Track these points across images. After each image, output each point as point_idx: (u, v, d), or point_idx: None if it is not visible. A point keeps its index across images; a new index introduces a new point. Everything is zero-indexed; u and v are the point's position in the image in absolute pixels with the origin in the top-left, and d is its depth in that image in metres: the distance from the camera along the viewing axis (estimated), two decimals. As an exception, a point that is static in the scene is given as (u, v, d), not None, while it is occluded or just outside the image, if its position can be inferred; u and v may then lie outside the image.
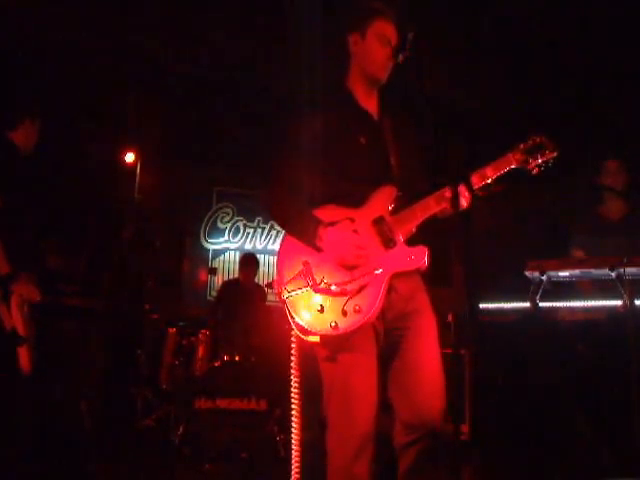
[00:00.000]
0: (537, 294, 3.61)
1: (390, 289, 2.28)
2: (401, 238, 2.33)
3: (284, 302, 2.25)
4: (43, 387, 4.05)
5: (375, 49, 2.44)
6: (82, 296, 5.01)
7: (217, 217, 8.19)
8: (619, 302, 3.37)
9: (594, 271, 3.45)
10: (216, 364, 4.98)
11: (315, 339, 2.22)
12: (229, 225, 8.21)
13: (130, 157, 6.92)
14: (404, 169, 2.45)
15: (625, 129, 5.33)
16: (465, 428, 4.28)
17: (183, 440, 4.66)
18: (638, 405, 3.25)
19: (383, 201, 2.36)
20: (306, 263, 2.26)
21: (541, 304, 3.63)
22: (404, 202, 2.38)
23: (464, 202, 2.34)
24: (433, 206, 2.34)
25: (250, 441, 4.65)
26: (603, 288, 3.46)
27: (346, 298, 2.21)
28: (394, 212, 2.36)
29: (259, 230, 8.25)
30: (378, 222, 2.33)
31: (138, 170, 6.91)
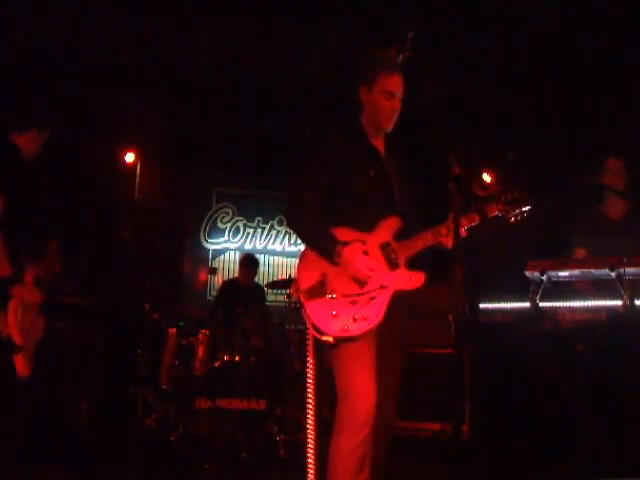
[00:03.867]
0: (537, 294, 3.61)
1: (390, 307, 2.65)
2: (403, 262, 2.72)
3: (303, 306, 2.63)
4: (43, 387, 4.05)
5: (381, 103, 2.77)
6: (82, 296, 5.02)
7: (217, 217, 8.19)
8: (619, 302, 3.37)
9: (594, 271, 3.45)
10: (216, 364, 4.98)
11: (329, 339, 2.59)
12: (229, 225, 8.22)
13: (130, 157, 6.93)
14: (405, 202, 2.83)
15: (626, 128, 5.33)
16: (465, 427, 4.29)
17: (183, 440, 4.66)
18: (638, 405, 3.25)
19: (389, 229, 2.75)
20: (324, 275, 2.65)
21: (541, 304, 3.63)
22: (405, 231, 2.77)
23: (449, 241, 2.73)
24: (431, 239, 2.75)
25: (250, 441, 4.65)
26: (603, 288, 3.46)
27: (356, 307, 2.59)
28: (398, 239, 2.75)
29: (259, 230, 8.25)
30: (385, 246, 2.72)
31: (138, 170, 6.93)
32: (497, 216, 2.86)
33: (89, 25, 5.70)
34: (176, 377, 5.18)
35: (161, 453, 4.61)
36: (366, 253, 2.67)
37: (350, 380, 2.60)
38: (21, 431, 3.59)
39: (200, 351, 5.13)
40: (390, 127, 2.84)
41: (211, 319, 5.81)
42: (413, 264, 2.75)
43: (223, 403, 4.77)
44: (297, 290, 2.68)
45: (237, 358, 4.99)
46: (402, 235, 2.77)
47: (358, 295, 2.62)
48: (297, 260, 2.79)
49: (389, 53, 3.00)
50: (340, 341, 2.59)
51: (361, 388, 2.57)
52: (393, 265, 2.71)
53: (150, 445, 4.80)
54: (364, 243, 2.70)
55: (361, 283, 2.63)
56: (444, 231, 2.72)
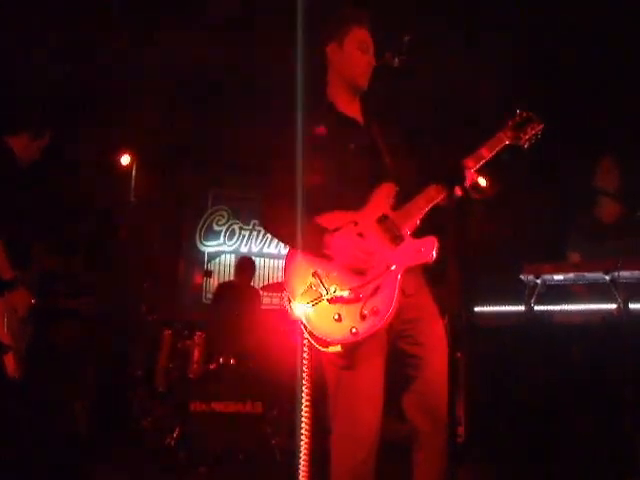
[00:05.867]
0: (532, 298, 3.62)
1: (401, 291, 2.27)
2: (408, 232, 2.34)
3: (299, 318, 2.24)
4: (37, 389, 4.04)
5: (355, 56, 2.49)
6: (77, 297, 5.01)
7: (213, 220, 8.19)
8: (614, 306, 3.38)
9: (588, 275, 3.47)
10: (211, 367, 4.97)
11: (336, 349, 2.20)
12: (225, 228, 8.21)
13: (126, 159, 6.92)
14: (399, 166, 2.48)
15: (622, 130, 5.35)
16: (461, 430, 4.29)
17: (178, 443, 4.65)
18: (632, 407, 3.26)
19: (384, 199, 2.38)
20: (315, 274, 2.26)
21: (536, 308, 3.64)
22: (404, 197, 2.40)
23: (458, 190, 2.33)
24: (435, 195, 2.37)
25: (245, 444, 4.64)
26: (598, 292, 3.47)
27: (362, 302, 2.21)
28: (396, 208, 2.37)
29: (254, 233, 8.25)
30: (382, 220, 2.34)
31: (134, 172, 6.92)
32: (508, 145, 2.52)
33: (84, 25, 5.70)
34: (171, 379, 5.17)
35: (156, 456, 4.60)
36: (361, 235, 2.30)
37: (345, 409, 2.26)
38: (15, 432, 3.58)
39: (196, 353, 5.12)
40: (365, 85, 2.52)
41: (209, 321, 5.80)
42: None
43: (218, 406, 4.76)
44: (289, 301, 2.27)
45: (232, 361, 4.98)
46: (403, 202, 2.40)
47: (360, 287, 2.22)
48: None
49: (359, 10, 2.58)
50: (350, 349, 2.21)
51: (358, 415, 2.23)
52: (396, 239, 2.31)
53: (145, 448, 4.79)
54: (356, 224, 2.32)
55: (361, 272, 2.25)
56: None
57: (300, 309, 2.23)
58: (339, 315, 2.20)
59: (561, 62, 5.65)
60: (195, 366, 5.07)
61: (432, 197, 2.37)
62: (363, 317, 2.18)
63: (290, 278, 2.31)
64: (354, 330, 2.17)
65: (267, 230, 2.54)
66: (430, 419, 2.32)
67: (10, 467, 3.43)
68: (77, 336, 4.99)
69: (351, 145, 2.45)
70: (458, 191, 2.30)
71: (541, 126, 2.55)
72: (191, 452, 4.56)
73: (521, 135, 2.51)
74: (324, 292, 2.23)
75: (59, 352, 4.68)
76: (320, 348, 2.23)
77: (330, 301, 2.22)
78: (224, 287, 6.55)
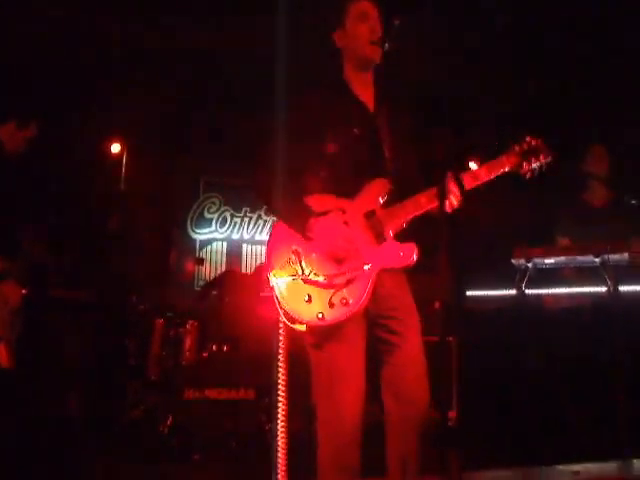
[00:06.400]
0: (523, 281, 3.64)
1: (378, 283, 2.28)
2: (391, 233, 2.32)
3: (272, 289, 2.26)
4: (28, 380, 4.04)
5: (356, 29, 2.43)
6: (67, 288, 5.00)
7: (204, 207, 8.16)
8: (604, 289, 3.40)
9: (579, 258, 3.49)
10: (204, 354, 4.97)
11: (302, 327, 2.25)
12: (216, 215, 8.18)
13: (116, 148, 6.88)
14: (398, 162, 2.43)
15: (610, 114, 5.36)
16: (452, 414, 4.31)
17: (172, 431, 4.66)
18: (622, 389, 3.29)
19: (375, 194, 2.34)
20: (296, 252, 2.27)
21: (527, 291, 3.66)
22: (396, 196, 2.37)
23: (454, 201, 2.33)
24: (424, 204, 2.32)
25: (239, 430, 4.65)
26: (588, 275, 3.49)
27: (333, 290, 2.21)
28: (385, 206, 2.34)
29: (246, 220, 8.23)
30: (369, 216, 2.32)
31: (124, 161, 6.89)
32: (506, 172, 2.39)
33: (74, 14, 5.64)
34: (164, 368, 5.17)
35: (150, 444, 4.61)
36: (346, 224, 2.27)
37: (324, 391, 2.27)
38: (7, 425, 3.58)
39: (188, 341, 5.11)
40: (376, 57, 2.42)
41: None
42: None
43: (212, 393, 4.76)
44: (266, 270, 2.29)
45: (225, 348, 4.99)
46: (394, 201, 2.36)
47: (335, 276, 2.22)
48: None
49: None
50: (315, 331, 2.26)
51: (338, 398, 2.22)
52: (379, 238, 2.29)
53: (138, 436, 4.80)
54: (344, 212, 2.30)
55: (339, 261, 2.24)
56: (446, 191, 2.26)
57: (275, 281, 2.26)
58: (309, 296, 2.22)
59: (545, 47, 5.65)
60: (188, 354, 5.07)
61: (421, 205, 2.33)
62: (331, 305, 2.20)
63: (272, 249, 2.33)
64: (320, 315, 2.19)
65: (255, 192, 2.52)
66: (398, 403, 2.32)
67: (3, 459, 3.43)
68: (67, 327, 4.98)
69: (355, 130, 2.40)
70: (448, 207, 2.28)
71: (549, 158, 2.39)
72: (185, 439, 4.56)
73: (524, 164, 2.39)
74: (300, 271, 2.25)
75: (50, 343, 4.67)
76: (287, 322, 2.27)
77: (304, 281, 2.24)
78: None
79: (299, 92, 2.53)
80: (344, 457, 2.24)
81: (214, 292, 5.69)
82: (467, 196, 2.34)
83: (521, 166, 2.38)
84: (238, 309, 5.28)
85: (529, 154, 2.38)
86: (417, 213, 2.34)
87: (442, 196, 2.18)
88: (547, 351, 3.67)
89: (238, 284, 5.98)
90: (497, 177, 2.42)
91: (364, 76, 2.50)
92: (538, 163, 2.38)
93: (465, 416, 4.21)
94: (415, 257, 2.29)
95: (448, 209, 2.28)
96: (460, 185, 2.32)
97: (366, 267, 2.24)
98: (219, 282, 6.06)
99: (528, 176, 2.40)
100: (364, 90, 2.50)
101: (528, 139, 2.40)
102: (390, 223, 2.32)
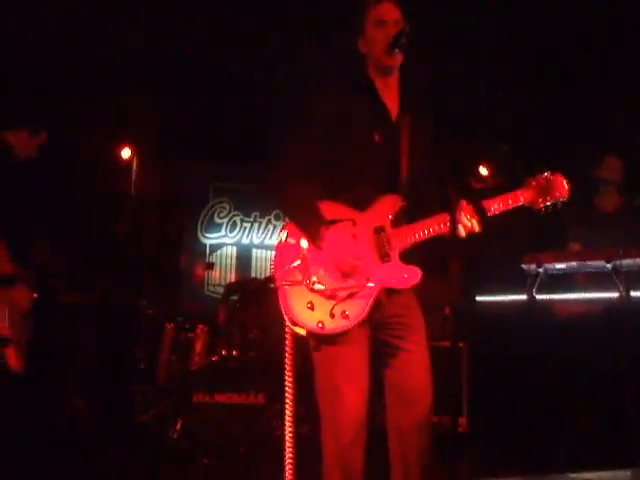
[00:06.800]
0: (534, 287, 3.62)
1: (382, 293, 2.27)
2: (396, 254, 2.29)
3: (278, 290, 2.27)
4: (38, 384, 4.05)
5: (373, 35, 2.39)
6: (78, 292, 5.02)
7: (214, 212, 8.18)
8: (615, 294, 3.38)
9: (590, 263, 3.46)
10: (214, 359, 4.97)
11: (302, 332, 2.25)
12: (226, 220, 8.20)
13: (127, 152, 6.91)
14: (414, 175, 2.37)
15: (622, 120, 5.33)
16: (463, 420, 4.29)
17: (181, 435, 4.66)
18: (633, 396, 3.26)
19: (386, 210, 2.31)
20: (304, 258, 2.25)
21: (538, 297, 3.64)
22: (408, 213, 2.34)
23: (462, 231, 2.31)
24: (435, 228, 2.29)
25: (248, 435, 4.65)
26: (599, 280, 3.47)
27: (335, 301, 2.21)
28: (395, 224, 2.31)
29: (256, 225, 8.24)
30: (378, 231, 2.29)
31: (134, 165, 6.91)
32: (522, 205, 2.35)
33: (88, 21, 5.68)
34: (174, 372, 5.17)
35: (159, 448, 4.61)
36: (355, 237, 2.25)
37: (328, 391, 2.27)
38: (16, 429, 3.59)
39: (198, 346, 5.12)
40: (393, 61, 2.36)
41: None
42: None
43: (221, 398, 4.76)
44: (275, 270, 2.28)
45: (235, 352, 4.98)
46: (405, 219, 2.32)
47: (339, 290, 2.21)
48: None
49: None
50: (315, 339, 2.26)
51: (341, 399, 2.22)
52: (384, 257, 2.26)
53: (148, 440, 4.80)
54: (355, 224, 2.27)
55: (344, 274, 2.23)
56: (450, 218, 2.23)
57: (280, 283, 2.26)
58: (312, 304, 2.21)
59: (561, 57, 5.63)
60: (197, 358, 5.07)
61: (431, 229, 2.29)
62: (332, 315, 2.19)
63: (280, 251, 2.32)
64: (320, 325, 2.19)
65: (270, 195, 2.47)
66: (402, 406, 2.32)
67: (11, 464, 3.44)
68: (77, 332, 5.00)
69: (377, 136, 2.35)
70: (459, 232, 2.28)
71: (564, 197, 2.35)
72: (194, 444, 4.56)
73: (540, 200, 2.35)
74: (305, 278, 2.23)
75: (60, 348, 4.69)
76: (289, 324, 2.27)
77: (308, 288, 2.22)
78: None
79: (317, 92, 2.50)
80: (347, 456, 2.24)
81: (234, 297, 5.69)
82: (485, 222, 2.32)
83: (536, 202, 2.36)
84: (254, 315, 5.27)
85: (546, 190, 2.35)
86: (425, 237, 2.30)
87: (453, 223, 2.19)
88: (558, 357, 3.64)
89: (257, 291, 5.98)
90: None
91: (388, 80, 2.45)
92: (554, 199, 2.35)
93: (475, 422, 4.20)
94: (418, 280, 2.26)
95: (459, 235, 2.28)
96: (481, 211, 2.30)
97: (368, 284, 2.23)
98: (241, 288, 6.06)
99: (543, 211, 2.37)
100: (388, 95, 2.44)
101: (546, 174, 2.36)
102: (397, 243, 2.29)
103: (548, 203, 2.35)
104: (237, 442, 4.60)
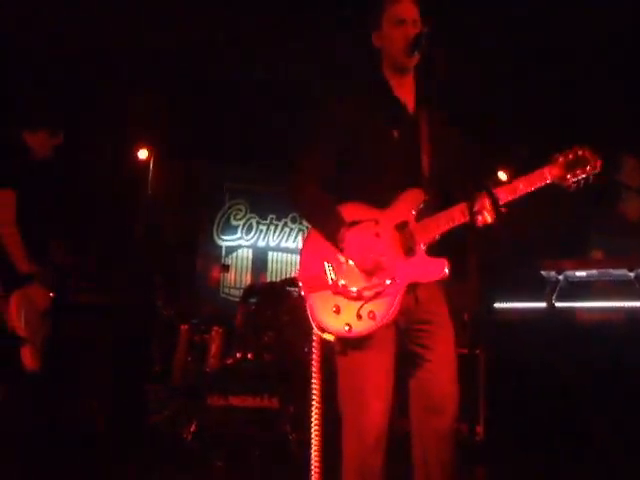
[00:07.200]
0: (553, 294, 3.57)
1: (410, 295, 2.24)
2: (422, 247, 2.24)
3: (304, 298, 2.26)
4: (54, 385, 4.06)
5: (391, 34, 2.35)
6: (93, 293, 5.03)
7: (230, 214, 8.19)
8: (638, 303, 3.33)
9: (612, 271, 3.41)
10: (229, 361, 4.97)
11: (330, 337, 2.22)
12: (242, 222, 8.21)
13: (143, 154, 6.94)
14: (435, 169, 2.33)
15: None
16: (479, 429, 4.24)
17: (195, 437, 4.65)
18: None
19: (409, 205, 2.27)
20: (329, 262, 2.25)
21: (557, 304, 3.59)
22: (431, 206, 2.29)
23: (488, 218, 2.23)
24: (458, 217, 2.23)
25: (262, 438, 4.63)
26: (621, 288, 3.42)
27: (362, 302, 2.18)
28: (418, 218, 2.27)
29: (272, 227, 8.24)
30: (401, 228, 2.25)
31: (151, 167, 6.94)
32: (547, 185, 2.23)
33: (103, 25, 5.71)
34: (188, 374, 5.17)
35: (173, 450, 4.61)
36: (378, 236, 2.23)
37: (353, 396, 2.24)
38: (30, 428, 3.60)
39: (213, 348, 5.12)
40: (410, 61, 2.34)
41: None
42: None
43: (235, 400, 4.75)
44: (299, 279, 2.29)
45: (250, 355, 4.97)
46: (429, 212, 2.27)
47: (364, 289, 2.18)
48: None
49: None
50: (342, 343, 2.23)
51: (364, 405, 2.20)
52: (409, 251, 2.22)
53: (162, 442, 4.80)
54: (377, 223, 2.25)
55: (369, 274, 2.20)
56: (474, 207, 2.17)
57: (305, 290, 2.26)
58: (337, 307, 2.20)
59: (577, 58, 5.57)
60: (212, 360, 5.07)
61: (454, 218, 2.23)
62: (359, 317, 2.17)
63: (304, 257, 2.32)
64: (347, 328, 2.17)
65: (289, 198, 2.42)
66: (427, 415, 2.29)
67: (25, 463, 3.44)
68: (92, 332, 5.01)
69: (395, 133, 2.33)
70: (480, 222, 2.21)
71: (596, 169, 2.20)
72: (208, 446, 4.55)
73: (569, 175, 2.21)
74: (330, 282, 2.22)
75: (75, 347, 4.70)
76: (316, 330, 2.25)
77: (333, 292, 2.22)
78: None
79: (333, 93, 2.48)
80: (369, 463, 2.21)
81: (252, 300, 5.68)
82: (502, 212, 2.22)
83: (565, 178, 2.22)
84: (269, 318, 5.26)
85: (575, 165, 2.22)
86: (450, 227, 2.24)
87: (472, 213, 2.14)
88: (578, 366, 3.59)
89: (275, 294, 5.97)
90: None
91: (403, 78, 2.42)
92: (584, 174, 2.21)
93: (492, 430, 4.15)
94: (447, 271, 2.20)
95: (480, 225, 2.21)
96: (494, 201, 2.22)
97: (394, 281, 2.19)
98: (260, 290, 6.05)
99: (572, 188, 2.23)
100: (404, 91, 2.41)
101: (575, 149, 2.24)
102: (422, 236, 2.24)
103: (579, 177, 2.21)
104: (251, 445, 4.59)
